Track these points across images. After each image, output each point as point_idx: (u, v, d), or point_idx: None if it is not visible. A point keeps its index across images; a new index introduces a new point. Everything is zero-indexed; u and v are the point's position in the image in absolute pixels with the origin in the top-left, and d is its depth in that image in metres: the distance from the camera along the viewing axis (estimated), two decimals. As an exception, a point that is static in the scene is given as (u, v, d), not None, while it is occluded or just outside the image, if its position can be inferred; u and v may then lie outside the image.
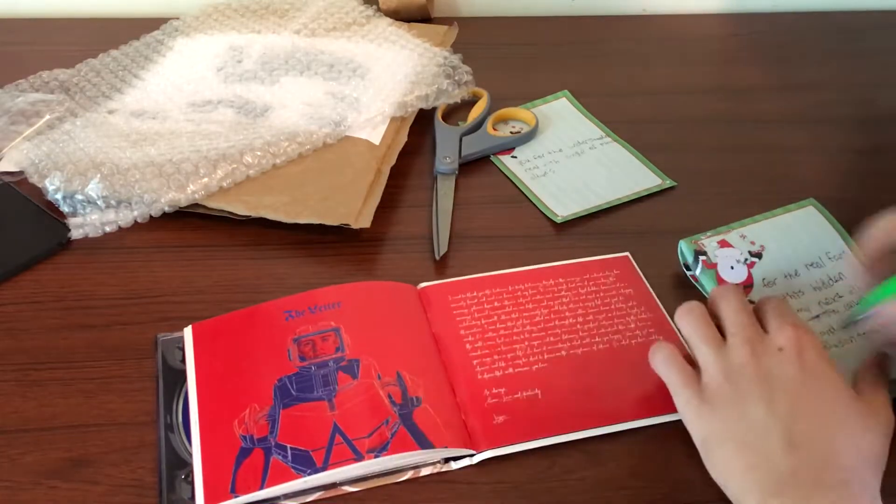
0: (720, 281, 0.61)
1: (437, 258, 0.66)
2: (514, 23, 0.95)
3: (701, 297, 0.63)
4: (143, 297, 0.63)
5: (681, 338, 0.57)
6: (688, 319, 0.54)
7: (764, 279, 0.62)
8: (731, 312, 0.53)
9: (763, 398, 0.48)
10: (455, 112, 0.81)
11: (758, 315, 0.54)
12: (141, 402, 0.56)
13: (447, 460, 0.53)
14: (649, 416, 0.55)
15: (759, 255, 0.63)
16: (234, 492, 0.50)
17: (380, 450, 0.51)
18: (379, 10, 0.90)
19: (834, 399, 0.48)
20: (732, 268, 0.62)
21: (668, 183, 0.73)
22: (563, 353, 0.59)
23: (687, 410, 0.51)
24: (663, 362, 0.54)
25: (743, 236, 0.64)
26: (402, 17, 0.90)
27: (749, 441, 0.47)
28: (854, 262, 0.61)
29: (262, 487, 0.50)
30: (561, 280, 0.64)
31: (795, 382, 0.48)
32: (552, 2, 0.98)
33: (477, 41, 0.89)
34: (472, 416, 0.55)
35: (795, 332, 0.51)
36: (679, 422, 0.55)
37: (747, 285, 0.62)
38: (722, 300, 0.54)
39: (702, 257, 0.62)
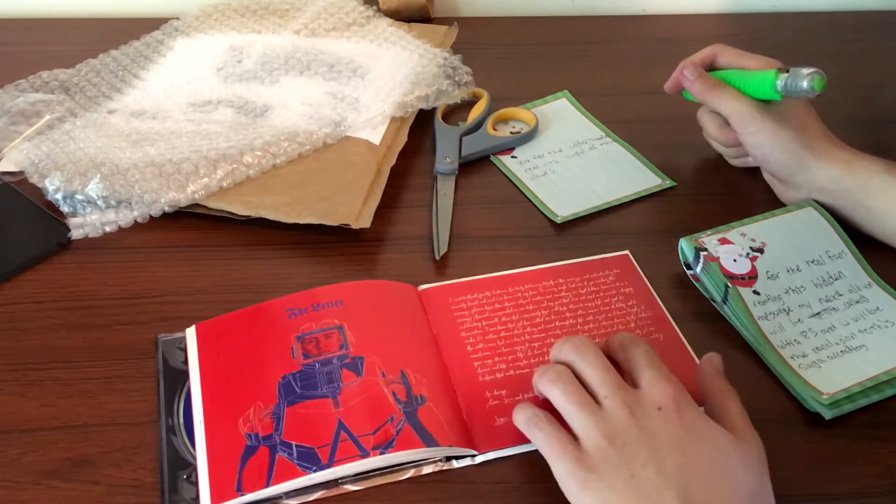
0: (724, 272, 0.61)
1: (437, 258, 0.66)
2: (514, 23, 0.95)
3: (701, 297, 0.63)
4: (143, 297, 0.62)
5: (552, 399, 0.51)
6: (557, 386, 0.50)
7: (768, 272, 0.62)
8: (594, 371, 0.50)
9: (652, 459, 0.46)
10: (455, 112, 0.81)
11: (614, 352, 0.53)
12: (141, 402, 0.56)
13: (449, 459, 0.53)
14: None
15: (760, 251, 0.63)
16: (241, 490, 0.50)
17: (385, 447, 0.51)
18: (379, 10, 0.90)
19: (716, 448, 0.47)
20: (735, 261, 0.62)
21: (668, 183, 0.73)
22: (564, 353, 0.59)
23: (570, 482, 0.47)
24: (534, 427, 0.50)
25: (743, 234, 0.64)
26: (402, 17, 0.90)
27: None
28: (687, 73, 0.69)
29: (267, 485, 0.50)
30: (561, 280, 0.64)
31: (680, 440, 0.47)
32: (552, 2, 0.98)
33: (477, 41, 0.89)
34: (474, 418, 0.55)
35: (670, 387, 0.49)
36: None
37: (751, 277, 0.62)
38: (578, 357, 0.51)
39: (703, 253, 0.62)
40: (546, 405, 0.51)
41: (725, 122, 0.69)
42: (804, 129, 0.66)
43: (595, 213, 0.70)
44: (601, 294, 0.63)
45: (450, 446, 0.52)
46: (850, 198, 0.65)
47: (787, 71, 0.63)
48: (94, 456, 0.53)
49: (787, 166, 0.66)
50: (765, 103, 0.66)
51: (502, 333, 0.60)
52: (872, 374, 0.56)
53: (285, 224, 0.66)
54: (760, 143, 0.66)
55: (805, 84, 0.62)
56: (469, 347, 0.59)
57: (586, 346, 0.52)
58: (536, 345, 0.59)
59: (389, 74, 0.79)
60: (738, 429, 0.49)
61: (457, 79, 0.80)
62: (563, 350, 0.52)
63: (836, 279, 0.63)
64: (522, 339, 0.60)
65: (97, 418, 0.55)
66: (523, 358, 0.58)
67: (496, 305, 0.62)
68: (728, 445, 0.48)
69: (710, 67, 0.70)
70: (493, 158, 0.76)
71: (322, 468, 0.50)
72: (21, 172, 0.70)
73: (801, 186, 0.67)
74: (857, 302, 0.62)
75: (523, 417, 0.51)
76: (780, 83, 0.63)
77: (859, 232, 0.66)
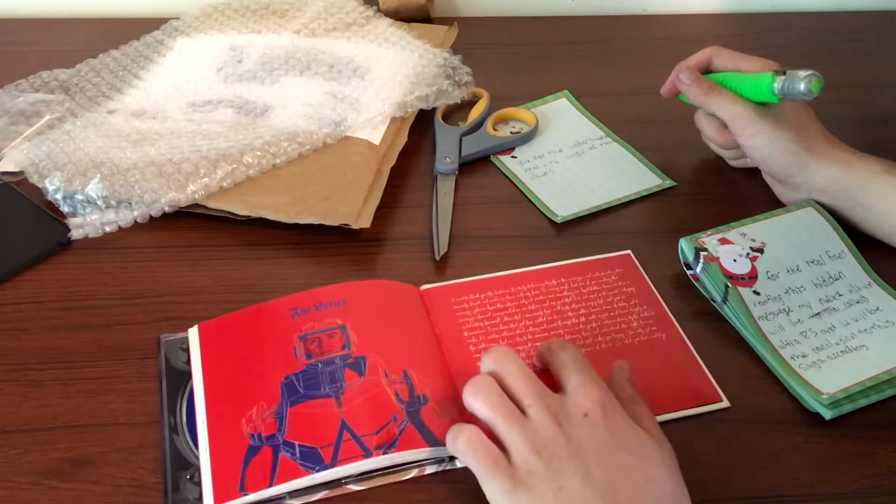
0: (724, 272, 0.61)
1: (438, 258, 0.66)
2: (514, 23, 0.95)
3: (701, 297, 0.63)
4: (143, 297, 0.62)
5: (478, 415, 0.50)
6: (482, 399, 0.49)
7: (768, 272, 0.62)
8: (516, 380, 0.49)
9: (579, 469, 0.45)
10: (455, 112, 0.81)
11: (543, 358, 0.53)
12: (141, 402, 0.56)
13: (452, 459, 0.53)
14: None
15: (760, 251, 0.63)
16: (244, 490, 0.50)
17: (388, 447, 0.51)
18: (379, 10, 0.90)
19: (643, 454, 0.47)
20: (735, 261, 0.62)
21: (668, 183, 0.73)
22: (565, 353, 0.59)
23: (500, 498, 0.46)
24: (467, 448, 0.48)
25: (743, 234, 0.64)
26: (403, 17, 0.90)
27: None
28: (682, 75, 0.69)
29: (271, 485, 0.50)
30: (563, 280, 0.64)
31: (607, 447, 0.47)
32: (552, 2, 0.98)
33: (477, 41, 0.89)
34: (476, 418, 0.54)
35: (596, 391, 0.48)
36: (680, 421, 0.55)
37: (751, 277, 0.62)
38: (498, 367, 0.50)
39: (703, 253, 0.62)
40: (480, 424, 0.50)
41: (723, 125, 0.69)
42: (802, 131, 0.66)
43: (595, 213, 0.70)
44: (603, 293, 0.63)
45: None
46: (849, 198, 0.65)
47: (784, 73, 0.63)
48: (94, 456, 0.53)
49: (787, 168, 0.66)
50: (762, 106, 0.66)
51: (505, 333, 0.60)
52: (872, 373, 0.56)
53: (285, 224, 0.66)
54: (759, 145, 0.66)
55: (802, 86, 0.62)
56: (471, 347, 0.59)
57: (505, 355, 0.51)
58: (539, 344, 0.59)
59: (389, 74, 0.79)
60: (653, 433, 0.49)
61: (457, 79, 0.80)
62: (485, 363, 0.51)
63: (837, 279, 0.63)
64: (525, 338, 0.60)
65: (97, 418, 0.55)
66: (526, 358, 0.58)
67: (498, 305, 0.62)
68: (652, 449, 0.48)
69: (706, 70, 0.70)
70: (493, 158, 0.76)
71: (325, 468, 0.50)
72: (21, 172, 0.70)
73: (800, 187, 0.67)
74: (858, 302, 0.62)
75: (463, 441, 0.48)
76: (776, 86, 0.63)
77: (859, 232, 0.66)
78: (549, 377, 0.53)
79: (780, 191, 0.70)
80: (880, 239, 0.65)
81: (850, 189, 0.65)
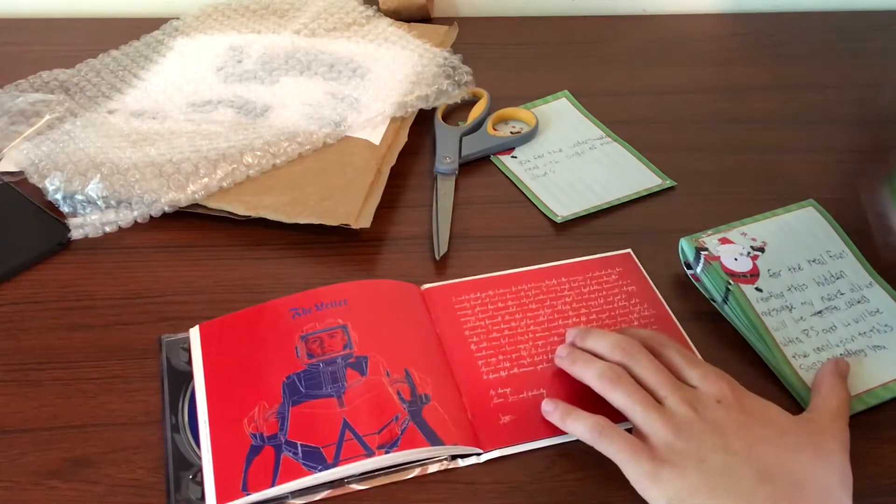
0: (725, 270, 0.61)
1: (437, 258, 0.66)
2: (514, 23, 0.95)
3: (701, 297, 0.63)
4: (143, 298, 0.62)
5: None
6: (620, 389, 0.51)
7: (769, 270, 0.62)
8: (651, 374, 0.52)
9: (718, 445, 0.48)
10: (455, 112, 0.81)
11: (649, 349, 0.54)
12: (141, 402, 0.56)
13: (454, 458, 0.53)
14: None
15: (761, 250, 0.63)
16: (246, 490, 0.50)
17: (390, 446, 0.51)
18: (379, 10, 0.90)
19: (784, 430, 0.50)
20: (736, 259, 0.62)
21: (668, 183, 0.73)
22: (567, 351, 0.59)
23: (643, 479, 0.48)
24: (599, 435, 0.51)
25: (744, 234, 0.64)
26: (403, 17, 0.90)
27: (720, 485, 0.47)
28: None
29: (273, 484, 0.50)
30: (563, 279, 0.64)
31: (743, 425, 0.49)
32: (552, 2, 0.98)
33: (477, 41, 0.89)
34: (479, 416, 0.55)
35: (723, 380, 0.52)
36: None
37: (753, 274, 0.62)
38: (632, 360, 0.53)
39: (703, 252, 0.62)
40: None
41: None
42: None
43: (595, 212, 0.70)
44: (604, 292, 0.63)
45: (455, 445, 0.52)
46: None
47: None
48: (94, 456, 0.53)
49: None
50: None
51: (506, 332, 0.60)
52: (870, 385, 0.56)
53: (285, 224, 0.66)
54: None
55: None
56: (473, 346, 0.59)
57: (637, 348, 0.53)
58: (540, 343, 0.59)
59: (389, 74, 0.79)
60: (822, 415, 0.52)
61: (457, 79, 0.80)
62: (614, 352, 0.54)
63: (838, 278, 0.63)
64: (526, 337, 0.60)
65: (97, 418, 0.55)
66: (527, 356, 0.58)
67: (499, 304, 0.62)
68: (792, 427, 0.50)
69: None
70: (493, 158, 0.76)
71: (327, 468, 0.50)
72: (21, 172, 0.70)
73: None
74: (859, 302, 0.62)
75: (584, 427, 0.51)
76: None
77: (859, 231, 0.66)
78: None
79: None
80: None
81: None
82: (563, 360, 0.56)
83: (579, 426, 0.52)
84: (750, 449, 0.48)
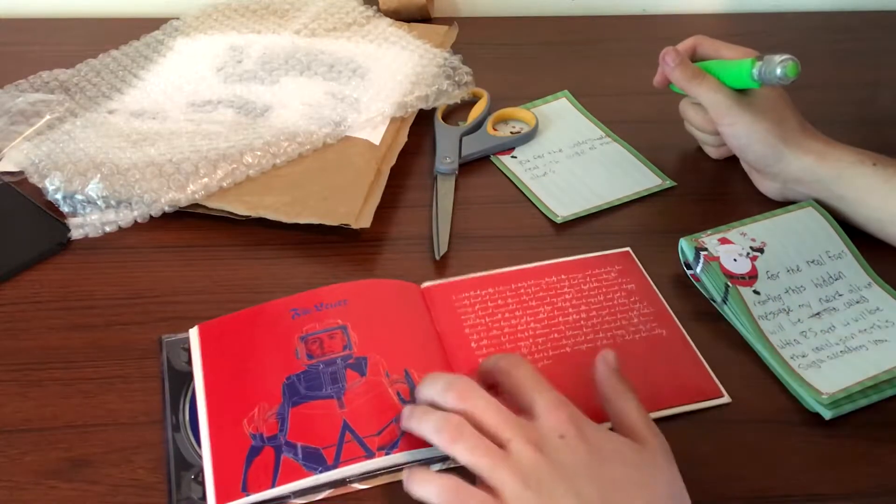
0: (724, 272, 0.61)
1: (437, 258, 0.66)
2: (514, 23, 0.95)
3: (701, 297, 0.63)
4: (143, 297, 0.62)
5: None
6: (462, 444, 0.47)
7: (768, 272, 0.62)
8: (490, 417, 0.48)
9: (570, 492, 0.45)
10: (455, 112, 0.81)
11: (494, 377, 0.52)
12: (141, 402, 0.56)
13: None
14: (653, 412, 0.54)
15: (760, 251, 0.63)
16: (246, 490, 0.50)
17: (390, 447, 0.51)
18: (379, 10, 0.90)
19: (625, 463, 0.47)
20: (735, 260, 0.62)
21: (668, 183, 0.73)
22: (568, 349, 0.59)
23: None
24: (449, 492, 0.46)
25: (743, 234, 0.64)
26: (403, 17, 0.90)
27: None
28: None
29: (273, 485, 0.50)
30: (563, 277, 0.64)
31: (591, 465, 0.46)
32: (552, 2, 0.98)
33: (477, 41, 0.89)
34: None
35: (565, 412, 0.48)
36: (680, 422, 0.55)
37: (751, 276, 0.62)
38: (468, 405, 0.48)
39: (703, 252, 0.62)
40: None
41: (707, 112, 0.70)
42: (780, 121, 0.67)
43: (595, 213, 0.70)
44: (603, 290, 0.63)
45: None
46: (823, 188, 0.66)
47: (762, 59, 0.64)
48: (94, 456, 0.53)
49: (763, 157, 0.67)
50: (743, 95, 0.67)
51: (506, 330, 0.60)
52: (872, 373, 0.56)
53: (285, 224, 0.66)
54: (737, 134, 0.67)
55: (778, 71, 0.62)
56: (473, 344, 0.59)
57: (472, 389, 0.49)
58: (540, 340, 0.59)
59: (389, 74, 0.79)
60: (639, 433, 0.49)
61: (457, 79, 0.80)
62: (446, 398, 0.49)
63: (837, 279, 0.63)
64: (526, 335, 0.60)
65: (97, 418, 0.55)
66: (528, 354, 0.58)
67: (499, 302, 0.62)
68: (635, 456, 0.47)
69: (691, 59, 0.71)
70: (493, 158, 0.76)
71: (327, 469, 0.50)
72: (21, 172, 0.70)
73: (777, 177, 0.68)
74: (857, 302, 0.62)
75: (433, 492, 0.47)
76: (755, 71, 0.64)
77: (859, 231, 0.66)
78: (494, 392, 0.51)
79: (757, 179, 0.71)
80: (857, 227, 0.66)
81: (825, 179, 0.66)
82: (404, 420, 0.51)
83: (429, 489, 0.47)
84: (603, 495, 0.45)
